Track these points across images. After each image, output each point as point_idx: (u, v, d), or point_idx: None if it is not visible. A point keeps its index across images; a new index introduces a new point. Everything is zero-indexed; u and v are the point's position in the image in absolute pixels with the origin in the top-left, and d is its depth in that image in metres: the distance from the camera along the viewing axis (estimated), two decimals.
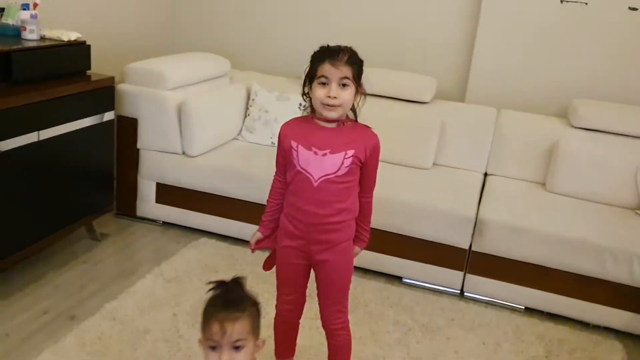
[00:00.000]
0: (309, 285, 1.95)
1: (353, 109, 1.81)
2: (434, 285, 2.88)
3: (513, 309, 2.78)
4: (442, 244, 2.81)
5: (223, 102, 3.40)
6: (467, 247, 2.79)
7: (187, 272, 2.78)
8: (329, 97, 1.70)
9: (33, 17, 2.68)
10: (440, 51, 3.71)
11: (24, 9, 2.68)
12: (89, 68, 2.82)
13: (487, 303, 2.81)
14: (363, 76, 1.78)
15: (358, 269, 2.93)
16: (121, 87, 3.11)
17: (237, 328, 1.33)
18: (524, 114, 3.39)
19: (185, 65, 3.34)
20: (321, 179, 1.76)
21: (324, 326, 1.96)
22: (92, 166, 2.85)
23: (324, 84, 1.71)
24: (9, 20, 2.67)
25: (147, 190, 3.23)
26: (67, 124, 2.59)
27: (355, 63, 1.73)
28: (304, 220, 1.81)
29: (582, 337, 2.60)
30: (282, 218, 1.89)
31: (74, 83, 2.65)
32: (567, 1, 3.39)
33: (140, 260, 2.91)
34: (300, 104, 3.44)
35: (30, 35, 2.63)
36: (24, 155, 2.37)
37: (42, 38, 2.69)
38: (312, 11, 3.88)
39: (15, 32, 2.65)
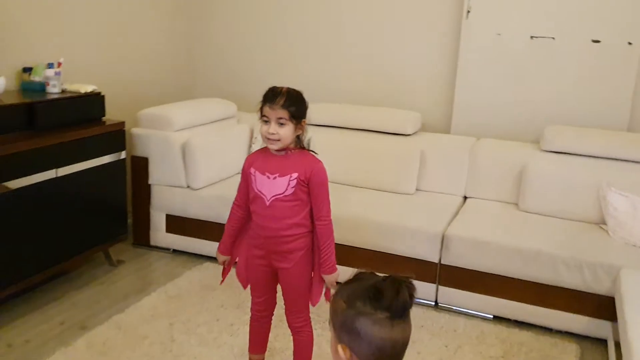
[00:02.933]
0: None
1: (301, 140, 2.14)
2: None
3: (483, 318, 3.02)
4: (415, 259, 3.10)
5: (226, 141, 3.81)
6: (437, 261, 3.07)
7: (188, 290, 3.15)
8: (269, 133, 2.04)
9: (57, 74, 3.16)
10: (427, 89, 4.05)
11: (50, 67, 3.18)
12: (104, 114, 3.28)
13: (459, 313, 3.06)
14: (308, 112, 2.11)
15: None
16: (134, 130, 3.57)
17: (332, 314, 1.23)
18: (498, 141, 3.67)
19: (191, 110, 3.78)
20: (272, 198, 2.10)
21: (288, 325, 2.29)
22: (107, 199, 3.28)
23: (266, 121, 2.05)
24: (36, 77, 3.17)
25: (158, 221, 3.64)
26: (82, 162, 3.04)
27: (293, 105, 2.04)
28: (261, 233, 2.16)
29: (543, 340, 2.82)
30: (250, 232, 2.23)
31: (89, 128, 3.11)
32: (537, 37, 3.70)
33: (149, 282, 3.30)
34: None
35: (53, 89, 3.11)
36: (43, 190, 2.82)
37: (63, 91, 3.17)
38: (308, 56, 4.30)
39: (41, 87, 3.13)
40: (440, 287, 3.09)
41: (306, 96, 4.36)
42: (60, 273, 3.20)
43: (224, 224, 3.38)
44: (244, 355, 2.54)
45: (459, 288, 3.05)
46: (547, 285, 2.88)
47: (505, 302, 2.97)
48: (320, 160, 2.15)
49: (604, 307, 2.77)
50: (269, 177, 2.10)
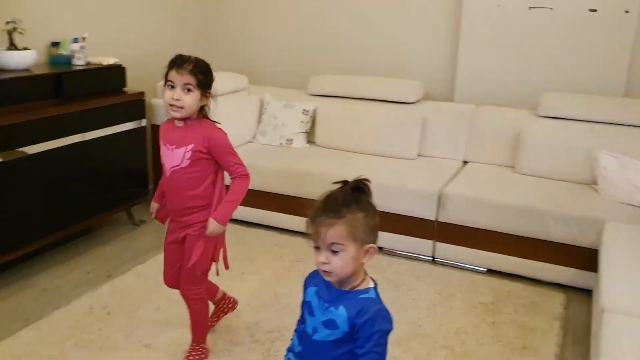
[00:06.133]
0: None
1: (204, 111, 2.10)
2: (410, 253, 3.37)
3: (477, 271, 3.22)
4: (413, 217, 3.31)
5: (238, 111, 4.05)
6: (434, 219, 3.27)
7: None
8: (173, 98, 1.99)
9: (82, 48, 3.43)
10: (430, 59, 4.22)
11: (75, 42, 3.44)
12: (125, 85, 3.54)
13: (455, 267, 3.26)
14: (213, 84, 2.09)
15: None
16: (154, 100, 3.83)
17: (331, 233, 1.35)
18: (497, 108, 3.84)
19: None
20: (171, 170, 2.08)
21: (181, 294, 2.27)
22: (129, 163, 3.55)
23: (171, 87, 2.00)
24: (62, 51, 3.43)
25: None
26: (106, 128, 3.31)
27: (200, 73, 2.00)
28: (167, 204, 2.20)
29: (531, 290, 3.02)
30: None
31: (111, 97, 3.37)
32: (535, 7, 3.85)
33: None
34: (304, 110, 4.06)
35: (78, 62, 3.37)
36: (71, 152, 3.09)
37: (88, 63, 3.43)
38: (314, 28, 4.50)
39: (67, 60, 3.40)
40: (438, 243, 3.30)
41: (313, 68, 4.58)
42: (87, 230, 3.49)
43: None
44: (252, 299, 2.80)
45: (454, 244, 3.25)
46: (537, 240, 3.06)
47: (497, 255, 3.16)
48: (218, 128, 2.11)
49: (590, 259, 2.95)
50: (169, 148, 2.07)
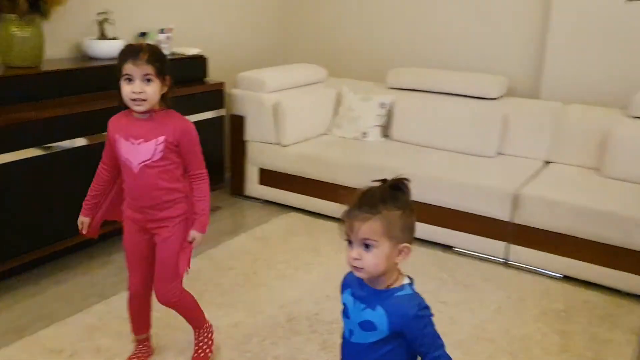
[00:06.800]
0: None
1: (166, 99, 1.98)
2: (481, 253, 3.27)
3: (552, 277, 3.08)
4: (487, 217, 3.20)
5: (314, 103, 4.08)
6: (507, 220, 3.15)
7: (273, 234, 3.48)
8: (134, 92, 1.87)
9: (168, 38, 3.57)
10: (516, 53, 4.06)
11: (162, 33, 3.59)
12: (206, 75, 3.65)
13: (528, 271, 3.13)
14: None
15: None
16: (233, 91, 3.93)
17: (365, 228, 1.33)
18: (585, 107, 3.64)
19: (284, 74, 4.08)
20: (140, 165, 1.95)
21: (161, 301, 2.11)
22: (206, 150, 3.57)
23: (129, 80, 1.88)
24: (149, 41, 3.58)
25: (252, 174, 3.99)
26: (187, 116, 3.40)
27: (157, 60, 1.90)
28: (133, 203, 2.05)
29: (609, 300, 2.84)
30: (125, 202, 2.09)
31: (193, 86, 3.49)
32: (632, 0, 3.60)
33: (241, 225, 3.67)
34: (381, 103, 4.02)
35: (164, 52, 3.51)
36: None
37: (172, 53, 3.57)
38: (395, 21, 4.44)
39: None
40: (511, 245, 3.17)
41: (392, 61, 4.52)
42: None
43: (308, 179, 3.73)
44: (315, 290, 2.82)
45: (529, 246, 3.12)
46: (619, 247, 2.88)
47: (575, 262, 3.00)
48: (187, 120, 2.03)
49: None
50: (133, 143, 1.96)
